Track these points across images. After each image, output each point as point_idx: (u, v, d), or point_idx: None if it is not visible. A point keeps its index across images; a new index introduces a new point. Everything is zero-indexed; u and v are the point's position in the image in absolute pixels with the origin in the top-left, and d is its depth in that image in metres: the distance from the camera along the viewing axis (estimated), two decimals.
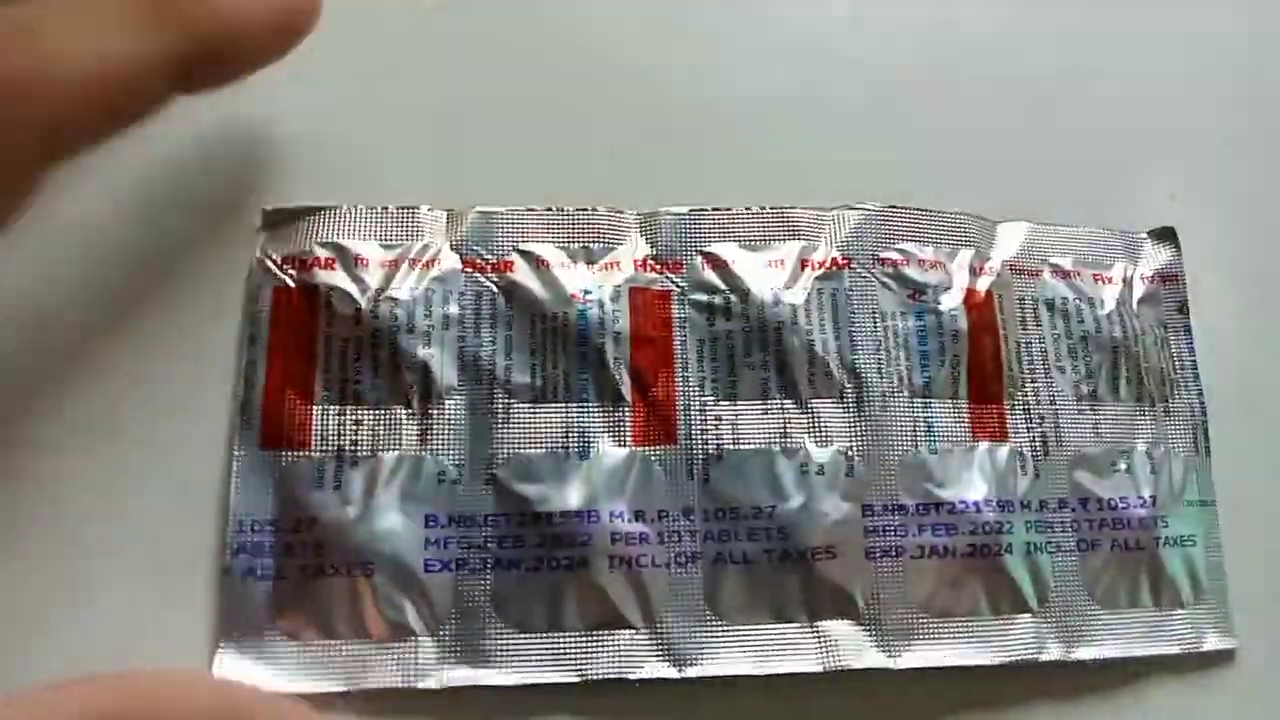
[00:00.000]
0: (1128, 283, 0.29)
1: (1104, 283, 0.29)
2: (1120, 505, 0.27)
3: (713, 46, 0.31)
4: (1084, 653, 0.26)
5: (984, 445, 0.27)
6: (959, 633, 0.25)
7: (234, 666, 0.23)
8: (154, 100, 0.21)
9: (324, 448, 0.25)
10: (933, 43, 0.32)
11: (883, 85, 0.30)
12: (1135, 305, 0.29)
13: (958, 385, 0.27)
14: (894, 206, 0.28)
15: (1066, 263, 0.29)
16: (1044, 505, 0.27)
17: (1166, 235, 0.30)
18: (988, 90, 0.31)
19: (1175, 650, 0.27)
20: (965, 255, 0.28)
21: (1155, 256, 0.30)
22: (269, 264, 0.26)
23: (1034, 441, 0.27)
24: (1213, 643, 0.27)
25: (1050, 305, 0.28)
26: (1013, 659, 0.25)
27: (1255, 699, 0.27)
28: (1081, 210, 0.30)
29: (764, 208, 0.28)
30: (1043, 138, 0.31)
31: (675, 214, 0.27)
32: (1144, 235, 0.30)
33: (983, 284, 0.28)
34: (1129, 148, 0.32)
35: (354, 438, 0.25)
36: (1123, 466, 0.27)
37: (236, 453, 0.25)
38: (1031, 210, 0.30)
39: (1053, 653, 0.26)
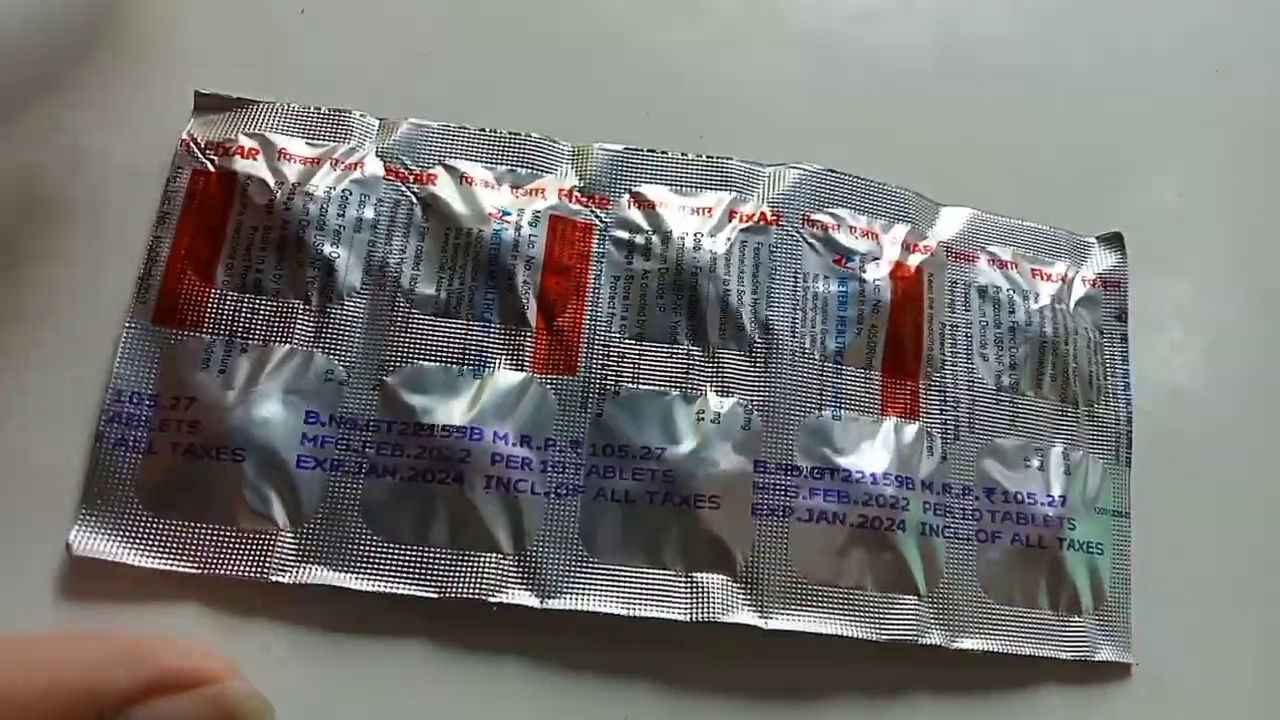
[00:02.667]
0: (1068, 282, 0.29)
1: (1042, 278, 0.28)
2: (1027, 500, 0.26)
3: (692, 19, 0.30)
4: (968, 643, 0.25)
5: (892, 420, 0.26)
6: (838, 604, 0.25)
7: (90, 536, 0.23)
8: None
9: (216, 331, 0.24)
10: (940, 37, 0.32)
11: (885, 74, 0.30)
12: (1072, 305, 0.28)
13: (873, 356, 0.26)
14: (833, 170, 0.28)
15: (1005, 253, 0.28)
16: (946, 489, 0.26)
17: (1114, 240, 0.29)
18: (990, 87, 0.31)
19: (1065, 656, 0.26)
20: (901, 230, 0.28)
21: (1100, 260, 0.29)
22: (192, 146, 0.26)
23: (945, 424, 0.26)
24: (1107, 654, 0.26)
25: (982, 292, 0.28)
26: (890, 638, 0.25)
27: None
28: (1078, 211, 0.30)
29: (700, 155, 0.27)
30: (1039, 135, 0.31)
31: (610, 150, 0.27)
32: (1091, 239, 0.29)
33: (914, 260, 0.27)
34: (1133, 145, 0.31)
35: (248, 325, 0.24)
36: (1035, 462, 0.27)
37: (126, 325, 0.24)
38: (1029, 210, 0.29)
39: (934, 638, 0.25)
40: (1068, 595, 0.26)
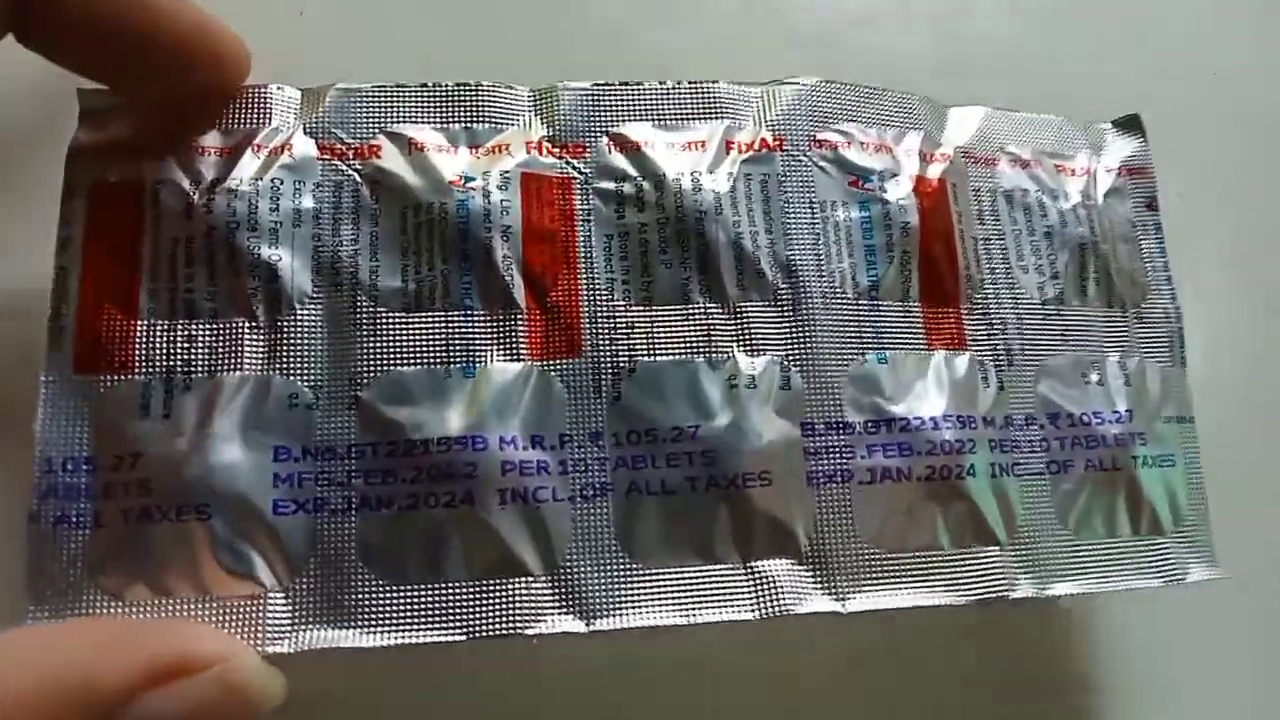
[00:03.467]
0: (1092, 175, 0.26)
1: (1066, 174, 0.26)
2: (1094, 421, 0.24)
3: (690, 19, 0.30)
4: (1059, 588, 0.23)
5: (940, 354, 0.23)
6: (917, 569, 0.22)
7: None
8: None
9: (150, 370, 0.20)
10: (938, 40, 0.31)
11: (884, 77, 0.27)
12: (1101, 200, 0.26)
13: (909, 285, 0.23)
14: (830, 81, 0.24)
15: (1025, 151, 0.25)
16: (1009, 422, 0.23)
17: (1132, 125, 0.27)
18: (988, 89, 0.28)
19: (1157, 583, 0.24)
20: (914, 139, 0.24)
21: (1120, 147, 0.27)
22: (86, 156, 0.21)
23: (996, 350, 0.23)
24: (1197, 574, 0.24)
25: (1009, 197, 0.25)
26: (979, 597, 0.22)
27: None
28: None
29: (680, 82, 0.24)
30: None
31: (577, 89, 0.23)
32: (1107, 124, 0.27)
33: (934, 171, 0.24)
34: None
35: (186, 357, 0.20)
36: (1094, 378, 0.24)
37: (43, 379, 0.20)
38: None
39: (1024, 589, 0.22)
40: (1148, 517, 0.24)
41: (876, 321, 0.23)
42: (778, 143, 0.23)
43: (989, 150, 0.25)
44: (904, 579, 0.22)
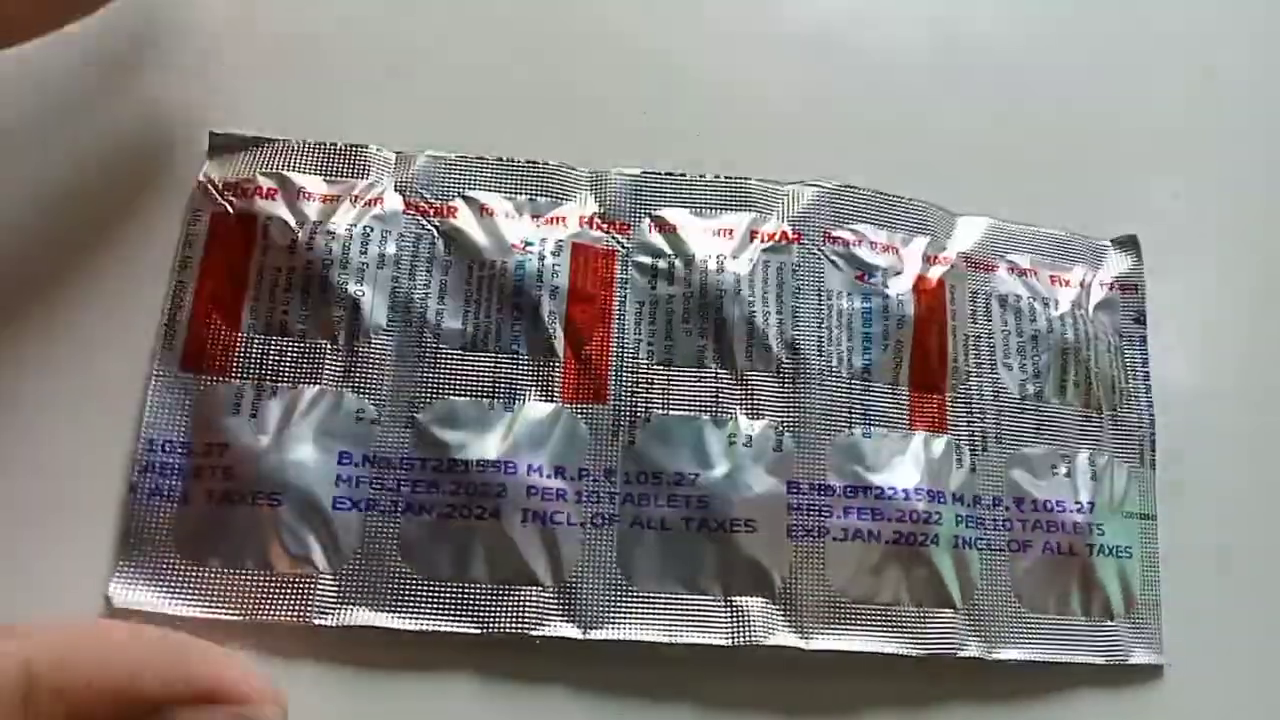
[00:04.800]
0: (1085, 287, 0.29)
1: (1061, 284, 0.28)
2: (1056, 508, 0.26)
3: (690, 21, 0.30)
4: (1005, 654, 0.25)
5: (921, 434, 0.26)
6: (877, 620, 0.25)
7: (129, 587, 0.23)
8: None
9: (244, 375, 0.24)
10: (934, 38, 0.32)
11: (882, 76, 0.30)
12: (1091, 310, 0.29)
13: (899, 371, 0.26)
14: (850, 186, 0.28)
15: (1024, 261, 0.28)
16: (977, 500, 0.26)
17: (1129, 244, 0.30)
18: (984, 90, 0.31)
19: (1100, 661, 0.26)
20: (920, 243, 0.28)
21: (1117, 264, 0.29)
22: (210, 188, 0.26)
23: (973, 435, 0.26)
24: (1140, 657, 0.26)
25: (1003, 301, 0.28)
26: (930, 652, 0.25)
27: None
28: (1075, 214, 0.30)
29: (718, 176, 0.27)
30: (1036, 138, 0.31)
31: (627, 174, 0.27)
32: (1107, 242, 0.30)
33: (935, 272, 0.27)
34: (1128, 147, 0.31)
35: (276, 368, 0.24)
36: (1063, 470, 0.27)
37: (154, 372, 0.24)
38: (1025, 213, 0.30)
39: (972, 650, 0.25)
40: (1099, 600, 0.26)
41: (865, 400, 0.26)
42: (796, 236, 0.27)
43: (990, 257, 0.28)
44: (864, 627, 0.25)
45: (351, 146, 0.26)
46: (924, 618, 0.25)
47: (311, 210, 0.25)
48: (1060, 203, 0.30)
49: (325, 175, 0.26)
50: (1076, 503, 0.26)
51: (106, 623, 0.22)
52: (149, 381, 0.24)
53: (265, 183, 0.25)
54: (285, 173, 0.26)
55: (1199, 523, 0.28)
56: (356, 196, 0.26)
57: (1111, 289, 0.29)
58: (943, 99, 0.29)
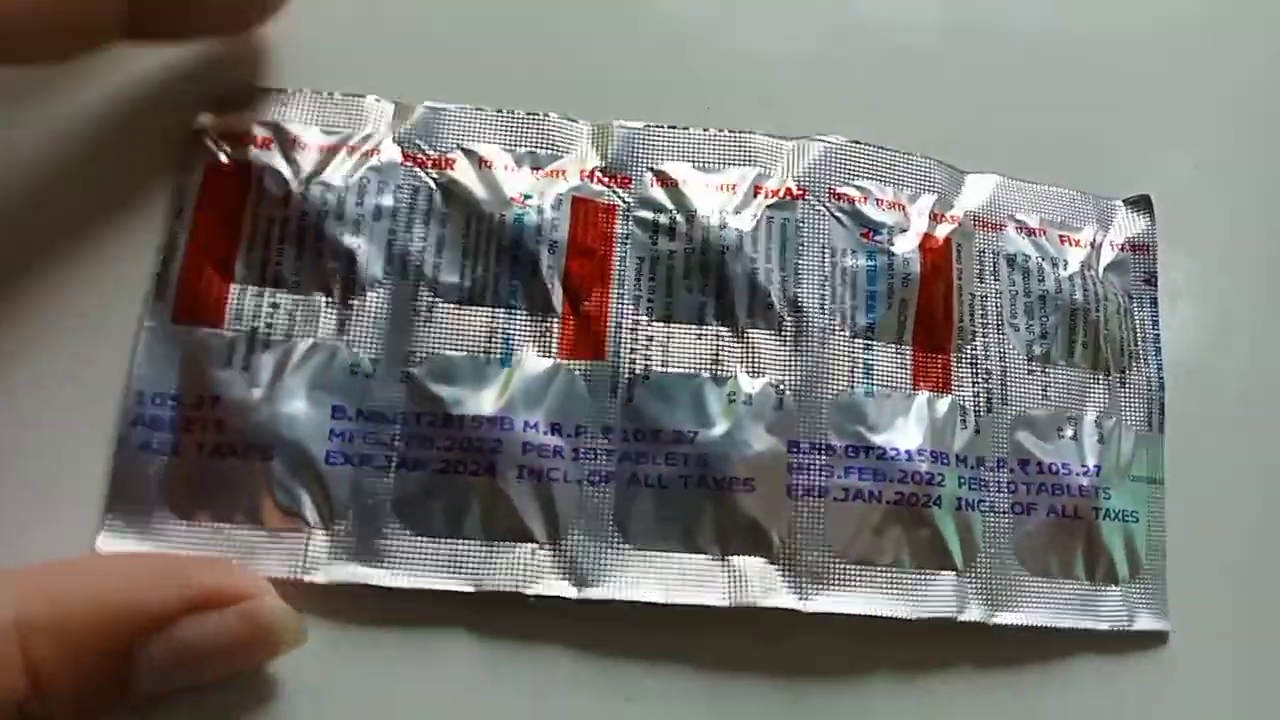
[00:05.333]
0: (1096, 248, 0.28)
1: (1070, 244, 0.28)
2: (1061, 471, 0.26)
3: None
4: (1006, 618, 0.25)
5: (924, 394, 0.26)
6: (876, 582, 0.24)
7: (118, 540, 0.22)
8: (98, 40, 0.22)
9: (237, 327, 0.24)
10: (949, 6, 0.31)
11: (893, 43, 0.29)
12: (1101, 271, 0.28)
13: (903, 330, 0.26)
14: (857, 142, 0.27)
15: (1033, 220, 0.28)
16: (981, 462, 0.26)
17: (1142, 204, 0.29)
18: (1001, 58, 0.30)
19: (1104, 627, 0.26)
20: (927, 200, 0.27)
21: (1129, 225, 0.29)
22: (205, 138, 0.25)
23: (977, 396, 0.26)
24: (1144, 623, 0.26)
25: (1011, 260, 0.27)
26: (930, 615, 0.24)
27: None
28: (1094, 184, 0.29)
29: (722, 129, 0.27)
30: (1054, 107, 0.30)
31: (629, 128, 0.26)
32: (1118, 202, 0.29)
33: (942, 231, 0.27)
34: (1149, 116, 0.31)
35: (269, 320, 0.24)
36: (1069, 433, 0.26)
37: (146, 324, 0.24)
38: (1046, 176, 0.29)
39: (973, 613, 0.25)
40: (1104, 565, 0.26)
41: (868, 359, 0.25)
42: (801, 192, 0.26)
43: (998, 216, 0.28)
44: (863, 589, 0.24)
45: (349, 97, 0.26)
46: (925, 580, 0.24)
47: (308, 161, 0.25)
48: (1075, 176, 0.29)
49: (322, 126, 0.25)
50: (1083, 466, 0.26)
51: (92, 556, 0.22)
52: (140, 333, 0.24)
53: (260, 133, 0.25)
54: (281, 122, 0.25)
55: (1208, 488, 0.28)
56: (353, 147, 0.25)
57: (1123, 250, 0.29)
58: (954, 67, 0.28)
